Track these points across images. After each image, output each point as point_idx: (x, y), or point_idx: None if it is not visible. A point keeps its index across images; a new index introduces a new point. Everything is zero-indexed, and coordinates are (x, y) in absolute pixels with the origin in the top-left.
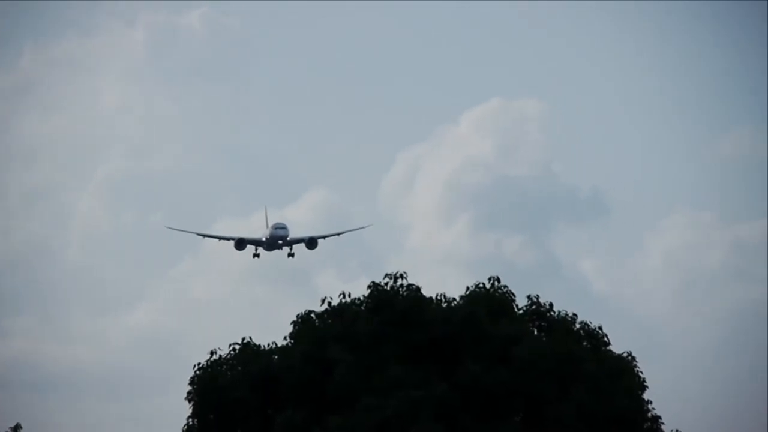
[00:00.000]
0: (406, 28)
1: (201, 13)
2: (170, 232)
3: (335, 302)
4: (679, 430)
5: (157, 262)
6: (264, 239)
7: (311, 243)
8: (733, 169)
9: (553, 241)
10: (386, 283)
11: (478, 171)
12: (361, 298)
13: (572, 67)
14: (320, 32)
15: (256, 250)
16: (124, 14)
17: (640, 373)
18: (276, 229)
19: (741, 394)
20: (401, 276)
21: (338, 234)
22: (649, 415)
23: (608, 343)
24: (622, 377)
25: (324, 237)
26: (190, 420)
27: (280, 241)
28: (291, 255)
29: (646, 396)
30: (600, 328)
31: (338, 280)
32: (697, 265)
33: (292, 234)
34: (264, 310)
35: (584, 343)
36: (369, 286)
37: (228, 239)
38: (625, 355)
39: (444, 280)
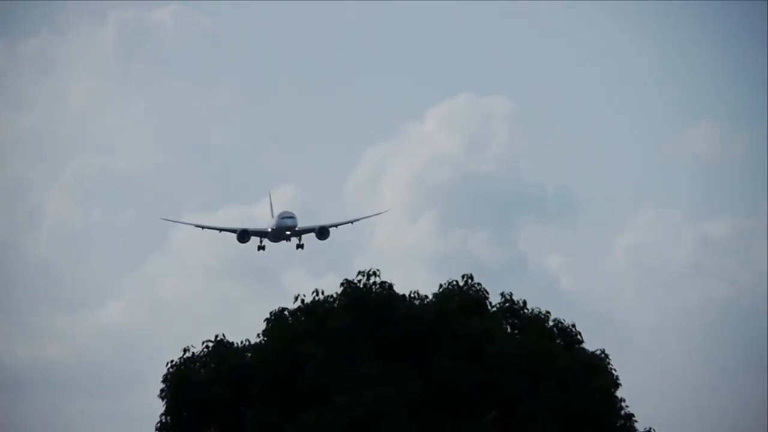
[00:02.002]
0: (373, 26)
1: (172, 11)
2: (138, 230)
3: (308, 300)
4: (653, 428)
5: (127, 259)
6: (270, 230)
7: (322, 232)
8: (701, 166)
9: (520, 239)
10: (359, 281)
11: (444, 168)
12: (334, 296)
13: (539, 64)
14: (289, 31)
15: (260, 242)
16: (94, 12)
17: (613, 371)
18: (283, 218)
19: (713, 392)
20: (374, 273)
21: (351, 222)
22: (622, 413)
23: (581, 341)
24: (595, 375)
25: (336, 225)
26: (164, 417)
27: (288, 232)
28: (300, 246)
29: (619, 394)
30: (573, 325)
31: (306, 277)
32: (665, 262)
33: (301, 223)
34: (230, 307)
35: (557, 341)
36: (342, 284)
37: (230, 231)
38: (598, 352)
39: (411, 278)
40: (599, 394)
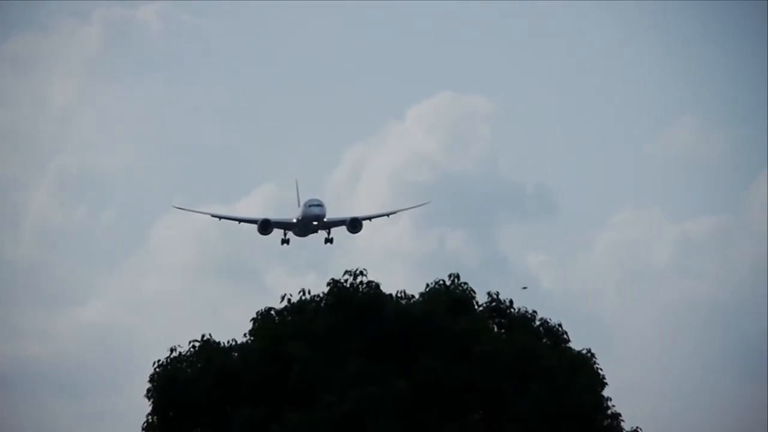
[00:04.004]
0: (355, 25)
1: (156, 9)
2: (122, 228)
3: (295, 299)
4: (639, 427)
5: (111, 258)
6: (295, 220)
7: (354, 225)
8: (681, 164)
9: (500, 237)
10: (345, 280)
11: (425, 167)
12: (321, 295)
13: (520, 63)
14: (272, 30)
15: (284, 234)
16: (79, 10)
17: (599, 370)
18: (310, 206)
19: (698, 390)
20: (361, 273)
21: (387, 215)
22: (609, 412)
23: (568, 340)
24: (581, 374)
25: (370, 218)
26: (150, 417)
27: (315, 222)
28: (329, 241)
29: (605, 393)
30: (560, 325)
31: (287, 276)
32: (646, 261)
33: (330, 214)
34: (213, 306)
35: (544, 340)
36: (328, 283)
37: (250, 221)
38: (584, 352)
39: (391, 277)
40: (586, 393)
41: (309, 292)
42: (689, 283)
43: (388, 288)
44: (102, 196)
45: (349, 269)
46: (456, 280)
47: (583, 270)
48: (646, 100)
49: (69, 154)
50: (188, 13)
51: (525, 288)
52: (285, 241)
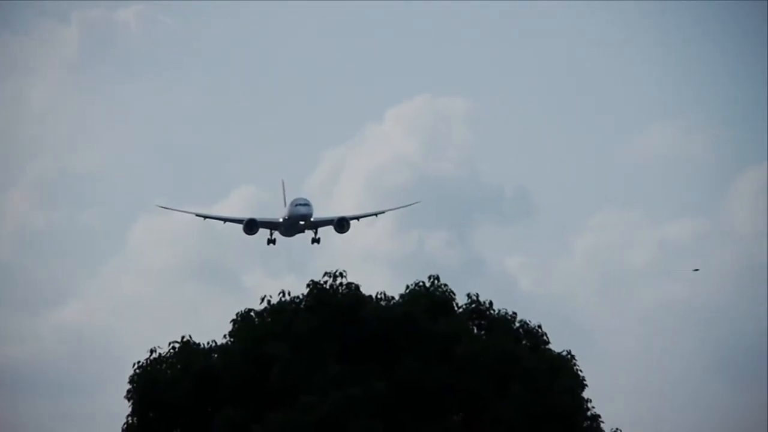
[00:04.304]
0: (333, 27)
1: (136, 11)
2: (101, 230)
3: (275, 301)
4: (619, 428)
5: (89, 260)
6: (282, 220)
7: (341, 225)
8: (660, 167)
9: (478, 240)
10: (325, 282)
11: (403, 169)
12: (301, 297)
13: (498, 65)
14: (251, 32)
15: (270, 234)
16: (58, 12)
17: (579, 372)
18: (297, 206)
19: (677, 391)
20: (340, 274)
21: (376, 214)
22: (589, 413)
23: (548, 342)
24: (561, 375)
25: (358, 218)
26: (130, 418)
27: (302, 222)
28: (316, 241)
29: (585, 394)
30: (539, 326)
31: (267, 278)
32: (625, 263)
33: (317, 214)
34: (191, 307)
35: (524, 342)
36: (308, 285)
37: (236, 221)
38: (564, 353)
39: (369, 278)
40: (565, 394)
41: (289, 294)
42: (668, 284)
43: (368, 289)
44: (81, 197)
45: (328, 271)
46: (436, 282)
47: (562, 272)
48: (626, 101)
49: (48, 156)
50: (167, 14)
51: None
52: (271, 242)
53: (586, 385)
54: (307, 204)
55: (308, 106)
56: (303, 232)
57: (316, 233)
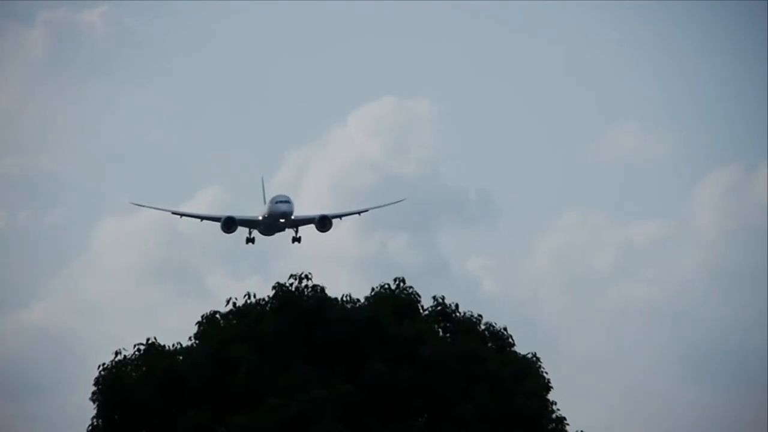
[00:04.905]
0: (297, 28)
1: (101, 12)
2: (66, 230)
3: (240, 303)
4: (583, 431)
5: (53, 261)
6: (261, 218)
7: (323, 223)
8: (624, 168)
9: (442, 242)
10: (291, 284)
11: (367, 171)
12: (266, 299)
13: (463, 67)
14: (216, 33)
15: (249, 233)
16: (23, 13)
17: (544, 374)
18: (277, 203)
19: (642, 393)
20: (306, 277)
21: (359, 212)
22: (554, 416)
23: (513, 344)
24: (526, 378)
25: (340, 216)
26: (95, 420)
27: (282, 220)
28: (297, 240)
29: (550, 397)
30: (505, 329)
31: (232, 279)
32: (589, 265)
33: (298, 211)
34: (155, 309)
35: (489, 344)
36: (274, 287)
37: (213, 219)
38: (529, 356)
39: (333, 281)
40: (531, 397)
41: (254, 296)
42: (633, 286)
43: (334, 292)
44: (46, 198)
45: (294, 273)
46: (401, 284)
47: (527, 274)
48: (590, 103)
49: (13, 157)
50: (133, 15)
51: None
52: (250, 240)
53: (552, 388)
54: (287, 201)
55: (271, 108)
56: (283, 230)
57: (296, 232)
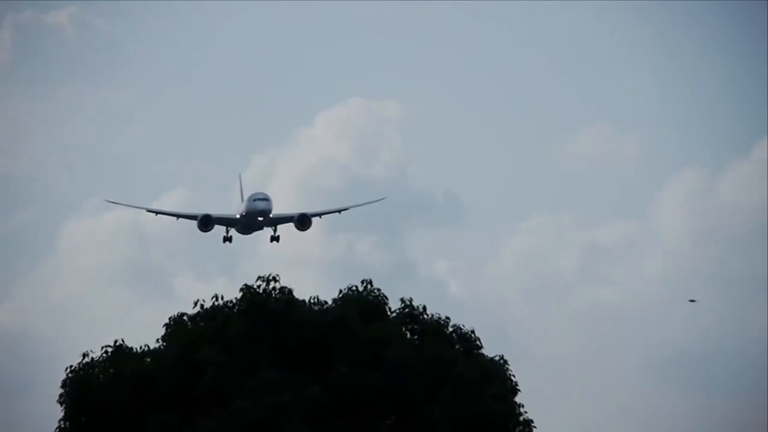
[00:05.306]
0: (265, 29)
1: (69, 13)
2: (33, 232)
3: (208, 305)
4: None
5: (20, 262)
6: (239, 216)
7: (302, 221)
8: (590, 170)
9: (409, 244)
10: (258, 286)
11: (334, 173)
12: (234, 301)
13: (431, 69)
14: (183, 34)
15: (227, 231)
16: None
17: (512, 377)
18: (255, 201)
19: (608, 396)
20: (274, 279)
21: (339, 211)
22: (521, 419)
23: (480, 347)
24: (494, 381)
25: (320, 215)
26: (63, 423)
27: (261, 218)
28: (275, 239)
29: (517, 399)
30: (472, 331)
31: (196, 281)
32: (555, 268)
33: (285, 206)
34: (124, 310)
35: (457, 347)
36: (241, 289)
37: (189, 217)
38: (497, 358)
39: (300, 283)
40: (498, 400)
41: (222, 298)
42: (600, 288)
43: (301, 294)
44: (12, 199)
45: (261, 275)
46: (369, 287)
47: (495, 276)
48: (556, 105)
49: None
50: (100, 16)
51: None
52: (227, 239)
53: (519, 391)
54: (266, 199)
55: (239, 109)
56: (261, 229)
57: (275, 230)
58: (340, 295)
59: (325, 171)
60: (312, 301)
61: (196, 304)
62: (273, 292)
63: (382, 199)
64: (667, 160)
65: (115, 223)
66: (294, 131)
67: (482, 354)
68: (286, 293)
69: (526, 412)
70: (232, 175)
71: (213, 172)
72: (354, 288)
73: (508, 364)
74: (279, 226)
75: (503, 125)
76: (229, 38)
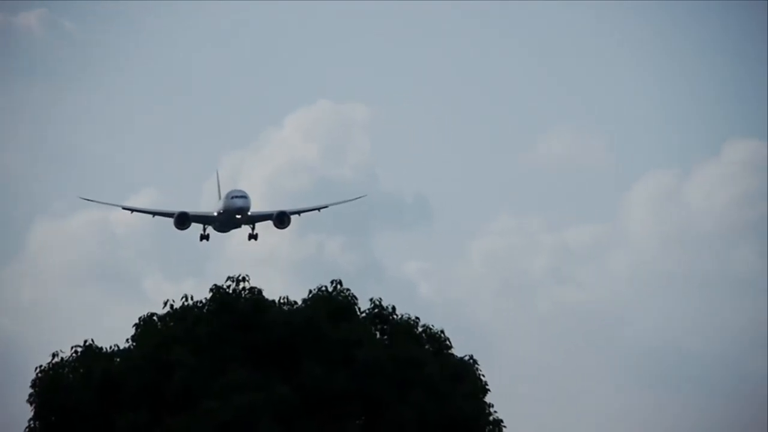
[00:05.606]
0: (233, 30)
1: (38, 15)
2: (1, 231)
3: (177, 305)
4: None
5: None
6: (216, 214)
7: (281, 220)
8: (558, 172)
9: (377, 246)
10: (228, 286)
11: (302, 174)
12: (203, 301)
13: (399, 71)
14: (151, 35)
15: (204, 229)
16: None
17: (481, 377)
18: (233, 198)
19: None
20: (243, 279)
21: (318, 209)
22: (491, 418)
23: (450, 347)
24: (463, 381)
25: (299, 212)
26: (32, 422)
27: (239, 216)
28: (253, 237)
29: (487, 399)
30: (442, 331)
31: (167, 281)
32: (523, 269)
33: (255, 207)
34: (94, 310)
35: (426, 347)
36: (211, 289)
37: (166, 215)
38: (467, 358)
39: (268, 284)
40: (468, 399)
41: (192, 298)
42: (568, 289)
43: (271, 294)
44: None
45: (231, 275)
46: (338, 287)
47: (464, 277)
48: (525, 107)
49: None
50: (69, 18)
51: None
52: (204, 237)
53: (489, 391)
54: (244, 196)
55: (207, 111)
56: (239, 227)
57: (253, 229)
58: (310, 296)
59: (293, 172)
60: (282, 301)
61: (165, 304)
62: (243, 292)
63: (362, 196)
64: (635, 161)
65: (85, 223)
66: (263, 133)
67: (452, 354)
68: (256, 293)
69: (495, 412)
70: (200, 176)
71: (181, 172)
72: (324, 288)
73: (478, 364)
74: (257, 224)
75: (472, 127)
76: (197, 40)
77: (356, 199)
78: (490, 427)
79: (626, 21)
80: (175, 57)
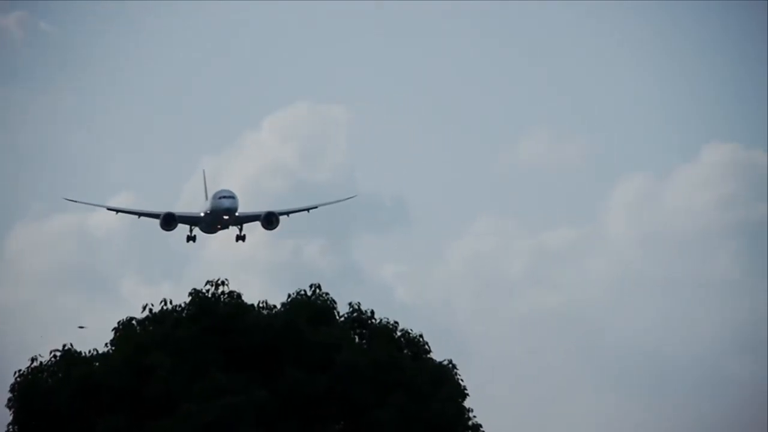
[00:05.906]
0: (212, 32)
1: (16, 17)
2: None
3: (156, 309)
4: None
5: None
6: (203, 214)
7: (269, 220)
8: (536, 175)
9: (355, 248)
10: (207, 290)
11: (281, 176)
12: (183, 305)
13: (378, 72)
14: (130, 37)
15: (190, 230)
16: None
17: (460, 381)
18: (220, 198)
19: (555, 400)
20: (222, 283)
21: (308, 209)
22: (470, 422)
23: (429, 351)
24: (442, 385)
25: (288, 213)
26: (11, 427)
27: (226, 217)
28: (241, 238)
29: (466, 403)
30: (421, 335)
31: (143, 285)
32: (502, 272)
33: (243, 208)
34: (72, 315)
35: (405, 351)
36: (190, 293)
37: (152, 215)
38: (445, 362)
39: (246, 287)
40: (447, 404)
41: (171, 302)
42: (547, 292)
43: (250, 298)
44: None
45: (210, 279)
46: (317, 291)
47: (442, 280)
48: (503, 109)
49: None
50: (48, 19)
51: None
52: (191, 238)
53: (468, 395)
54: (231, 196)
55: (185, 113)
56: (227, 227)
57: (241, 230)
58: (289, 300)
59: (271, 174)
60: (261, 305)
61: (145, 308)
62: (222, 296)
63: (353, 197)
64: (614, 164)
65: (63, 225)
66: (241, 135)
67: (431, 358)
68: (235, 297)
69: (474, 416)
70: (179, 180)
71: (159, 176)
72: (303, 292)
73: (457, 369)
74: (245, 226)
75: (451, 129)
76: (177, 41)
77: (346, 199)
78: (469, 431)
79: (610, 22)
80: (154, 58)
